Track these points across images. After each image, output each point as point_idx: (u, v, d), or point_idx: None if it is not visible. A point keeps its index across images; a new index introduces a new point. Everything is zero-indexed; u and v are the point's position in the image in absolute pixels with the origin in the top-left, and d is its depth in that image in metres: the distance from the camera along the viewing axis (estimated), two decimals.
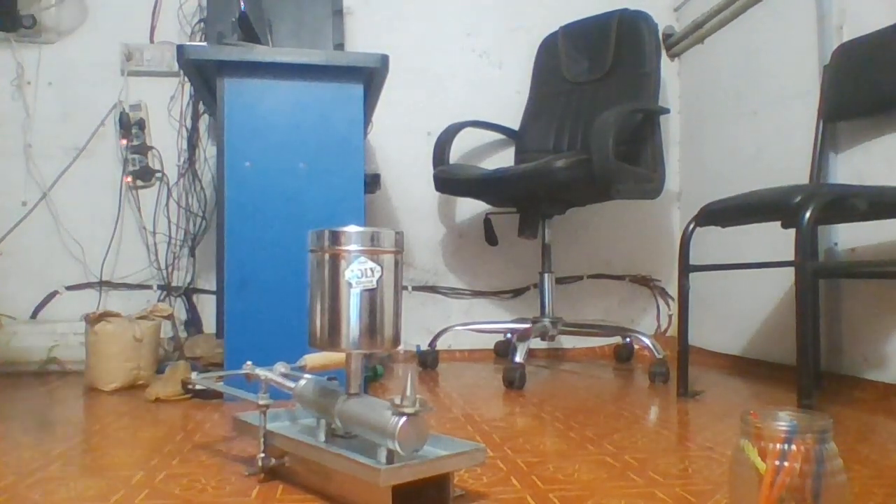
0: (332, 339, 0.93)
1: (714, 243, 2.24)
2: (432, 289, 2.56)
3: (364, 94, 1.73)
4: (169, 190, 2.42)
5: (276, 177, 1.68)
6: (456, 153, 2.50)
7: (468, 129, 2.48)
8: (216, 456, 1.16)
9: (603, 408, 1.59)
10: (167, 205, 2.41)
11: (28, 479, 1.02)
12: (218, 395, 1.64)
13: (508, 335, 2.48)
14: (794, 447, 0.70)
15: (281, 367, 1.12)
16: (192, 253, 2.41)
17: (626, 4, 2.37)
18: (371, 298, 0.92)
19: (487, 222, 2.41)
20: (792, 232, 1.45)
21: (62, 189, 2.37)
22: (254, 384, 1.10)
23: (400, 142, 2.54)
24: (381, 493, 0.83)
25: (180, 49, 1.64)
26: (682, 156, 2.69)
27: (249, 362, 1.13)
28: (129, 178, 2.39)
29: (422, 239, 2.57)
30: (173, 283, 2.40)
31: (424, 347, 2.33)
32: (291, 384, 1.06)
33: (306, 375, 1.07)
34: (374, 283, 0.92)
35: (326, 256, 0.93)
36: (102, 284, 2.37)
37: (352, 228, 0.92)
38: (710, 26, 2.45)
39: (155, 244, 2.40)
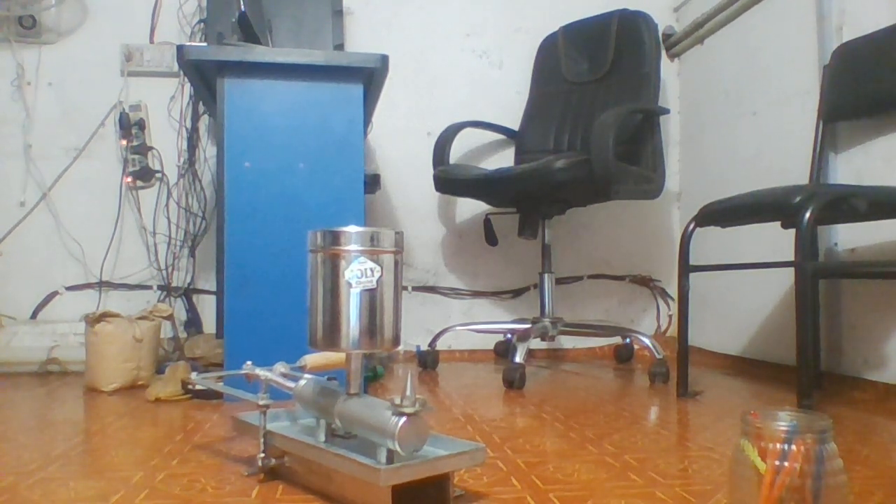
0: (331, 339, 0.93)
1: (714, 243, 2.24)
2: (432, 289, 2.56)
3: (364, 94, 1.73)
4: (169, 190, 2.42)
5: (276, 177, 1.68)
6: (456, 153, 2.50)
7: (468, 130, 2.48)
8: (216, 456, 1.16)
9: (603, 408, 1.59)
10: (167, 205, 2.41)
11: (28, 479, 1.02)
12: (218, 395, 1.64)
13: (508, 335, 2.47)
14: (794, 447, 0.70)
15: (281, 367, 1.12)
16: (192, 253, 2.41)
17: (625, 4, 2.38)
18: (371, 298, 0.92)
19: (487, 222, 2.41)
20: (792, 232, 1.45)
21: (62, 189, 2.37)
22: (254, 384, 1.10)
23: (400, 142, 2.54)
24: (381, 493, 0.83)
25: (180, 49, 1.64)
26: (682, 156, 2.69)
27: (249, 362, 1.13)
28: (129, 179, 2.39)
29: (422, 239, 2.57)
30: (173, 284, 2.40)
31: (424, 347, 2.33)
32: (291, 384, 1.06)
33: (306, 375, 1.07)
34: (374, 283, 0.92)
35: (326, 256, 0.93)
36: (102, 285, 2.37)
37: (351, 228, 0.92)
38: (710, 26, 2.44)
39: (155, 244, 2.40)
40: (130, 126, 2.38)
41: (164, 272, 2.39)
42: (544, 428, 1.39)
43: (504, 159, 2.59)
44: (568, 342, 2.61)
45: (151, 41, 2.43)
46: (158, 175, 2.42)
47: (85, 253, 2.37)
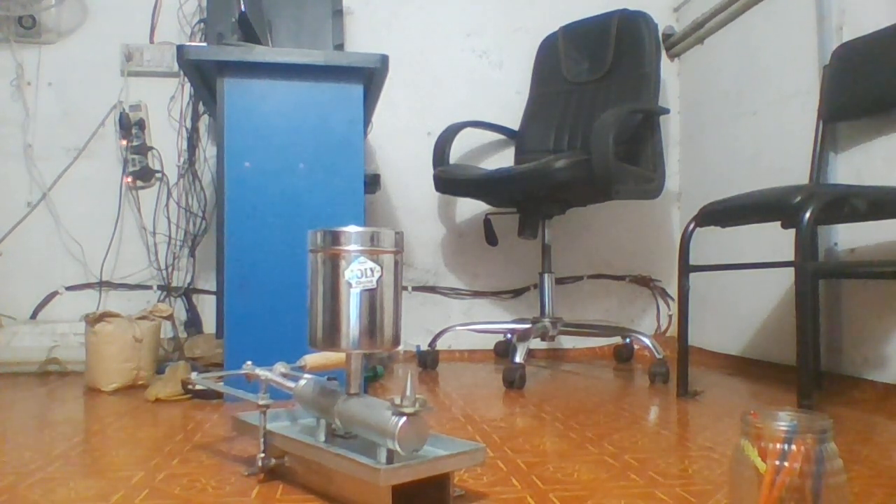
0: (331, 339, 0.93)
1: (714, 243, 2.24)
2: (432, 289, 2.56)
3: (364, 94, 1.73)
4: (169, 190, 2.42)
5: (276, 177, 1.68)
6: (456, 153, 2.50)
7: (468, 130, 2.48)
8: (216, 456, 1.16)
9: (603, 408, 1.59)
10: (167, 205, 2.41)
11: (28, 479, 1.02)
12: (218, 395, 1.64)
13: (508, 335, 2.47)
14: (794, 447, 0.70)
15: (281, 367, 1.12)
16: (192, 253, 2.41)
17: (625, 4, 2.38)
18: (371, 298, 0.92)
19: (487, 222, 2.41)
20: (792, 232, 1.45)
21: (62, 189, 2.37)
22: (254, 384, 1.10)
23: (400, 142, 2.55)
24: (381, 493, 0.83)
25: (180, 49, 1.64)
26: (682, 156, 2.69)
27: (249, 362, 1.13)
28: (129, 179, 2.39)
29: (422, 239, 2.57)
30: (173, 284, 2.40)
31: (424, 347, 2.33)
32: (291, 384, 1.06)
33: (306, 375, 1.07)
34: (374, 283, 0.92)
35: (326, 256, 0.93)
36: (102, 285, 2.37)
37: (352, 228, 0.92)
38: (710, 26, 2.44)
39: (155, 244, 2.40)
40: (130, 126, 2.38)
41: (164, 272, 2.39)
42: (544, 428, 1.39)
43: (504, 159, 2.59)
44: (568, 342, 2.61)
45: (151, 41, 2.43)
46: (158, 175, 2.42)
47: (85, 253, 2.37)
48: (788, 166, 2.00)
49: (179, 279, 2.41)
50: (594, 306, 2.64)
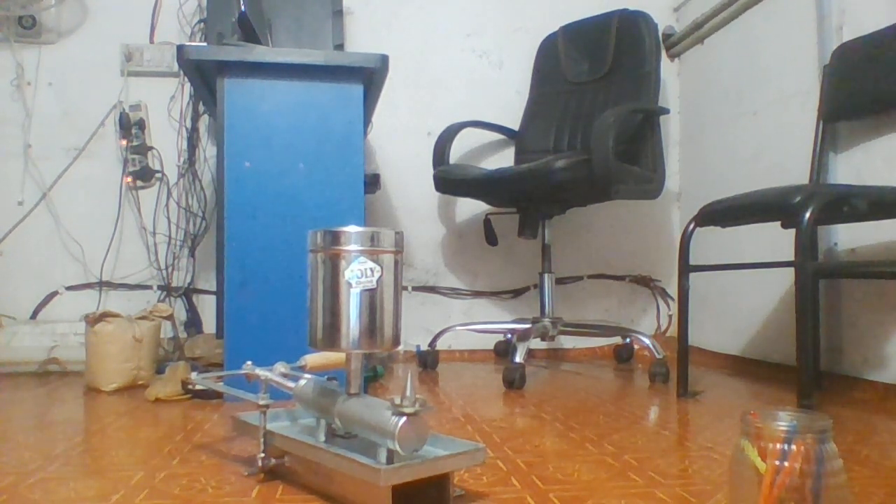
0: (331, 339, 0.93)
1: (714, 243, 2.24)
2: (432, 289, 2.56)
3: (364, 94, 1.73)
4: (169, 190, 2.42)
5: (276, 177, 1.68)
6: (456, 153, 2.50)
7: (468, 130, 2.48)
8: (216, 456, 1.16)
9: (603, 408, 1.59)
10: (167, 205, 2.41)
11: (28, 479, 1.02)
12: (218, 395, 1.64)
13: (508, 335, 2.48)
14: (794, 447, 0.70)
15: (281, 367, 1.12)
16: (192, 253, 2.41)
17: (625, 4, 2.38)
18: (371, 298, 0.92)
19: (487, 222, 2.41)
20: (792, 232, 1.45)
21: (62, 189, 2.37)
22: (254, 384, 1.10)
23: (400, 142, 2.55)
24: (381, 493, 0.83)
25: (180, 49, 1.64)
26: (682, 156, 2.69)
27: (249, 362, 1.13)
28: (129, 179, 2.39)
29: (422, 239, 2.57)
30: (173, 284, 2.40)
31: (424, 347, 2.33)
32: (291, 384, 1.06)
33: (306, 375, 1.07)
34: (374, 283, 0.92)
35: (326, 256, 0.93)
36: (102, 285, 2.37)
37: (352, 228, 0.92)
38: (710, 26, 2.44)
39: (155, 244, 2.40)
40: (130, 126, 2.38)
41: (164, 272, 2.39)
42: (544, 428, 1.39)
43: (504, 159, 2.59)
44: (568, 342, 2.61)
45: (151, 41, 2.43)
46: (158, 175, 2.42)
47: (85, 253, 2.37)
48: (788, 166, 2.00)
49: (179, 279, 2.41)
50: (594, 306, 2.64)
